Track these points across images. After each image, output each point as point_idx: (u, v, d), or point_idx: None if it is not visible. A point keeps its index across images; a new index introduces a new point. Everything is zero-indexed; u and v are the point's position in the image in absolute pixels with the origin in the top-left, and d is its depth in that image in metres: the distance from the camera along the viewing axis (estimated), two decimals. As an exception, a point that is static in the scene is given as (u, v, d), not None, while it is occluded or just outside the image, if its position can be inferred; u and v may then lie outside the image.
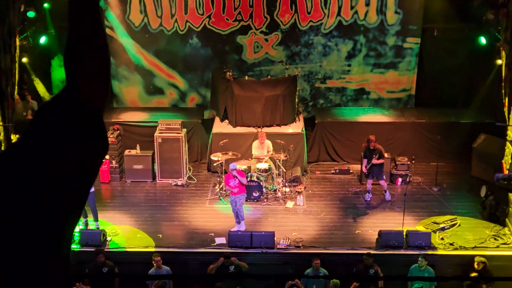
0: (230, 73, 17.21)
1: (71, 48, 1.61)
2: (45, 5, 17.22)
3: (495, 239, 13.89)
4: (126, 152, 16.73)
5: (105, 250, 13.25)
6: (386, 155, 15.54)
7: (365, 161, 15.33)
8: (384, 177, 15.46)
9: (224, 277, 13.18)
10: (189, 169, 17.04)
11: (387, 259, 13.26)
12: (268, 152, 15.90)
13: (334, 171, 17.22)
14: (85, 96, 1.58)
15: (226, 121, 17.42)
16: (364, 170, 15.37)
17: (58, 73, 18.46)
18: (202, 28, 18.58)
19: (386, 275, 13.05)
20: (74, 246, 13.21)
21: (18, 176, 1.44)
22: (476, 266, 12.71)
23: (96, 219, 14.20)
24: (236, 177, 13.98)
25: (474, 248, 13.52)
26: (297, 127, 17.27)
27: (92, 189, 13.91)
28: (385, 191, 15.55)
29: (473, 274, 12.71)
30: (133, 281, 13.36)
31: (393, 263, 13.27)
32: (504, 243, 13.72)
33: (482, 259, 12.79)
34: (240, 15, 18.46)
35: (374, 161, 15.04)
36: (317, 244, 13.72)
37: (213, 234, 14.14)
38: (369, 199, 15.58)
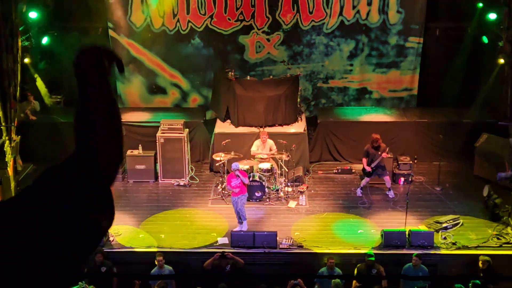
0: (232, 73, 17.22)
1: (84, 120, 1.55)
2: (48, 5, 17.23)
3: (497, 238, 13.86)
4: (129, 152, 16.72)
5: (107, 250, 13.26)
6: (387, 154, 15.53)
7: (365, 160, 15.38)
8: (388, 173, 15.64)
9: (225, 277, 13.16)
10: (192, 169, 17.05)
11: (390, 258, 13.25)
12: (270, 150, 15.89)
13: (336, 171, 17.21)
14: (95, 166, 1.54)
15: (228, 121, 17.42)
16: (369, 169, 15.33)
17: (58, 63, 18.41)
18: (204, 28, 18.58)
19: (389, 275, 13.04)
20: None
21: (15, 233, 1.42)
22: (480, 265, 12.68)
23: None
24: (239, 176, 13.97)
25: (476, 247, 13.50)
26: (299, 127, 17.27)
27: None
28: (389, 189, 15.61)
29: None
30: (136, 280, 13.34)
31: (396, 263, 13.24)
32: (507, 243, 13.69)
33: (487, 258, 12.76)
34: (242, 15, 18.46)
35: (385, 155, 15.16)
36: (319, 244, 13.72)
37: (215, 234, 14.14)
38: (360, 195, 15.69)
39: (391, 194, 15.62)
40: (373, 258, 12.60)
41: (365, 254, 12.88)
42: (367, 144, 15.43)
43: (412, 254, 12.78)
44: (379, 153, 15.18)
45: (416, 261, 12.54)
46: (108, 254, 13.12)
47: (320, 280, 12.61)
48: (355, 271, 12.69)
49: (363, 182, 15.72)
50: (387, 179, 15.53)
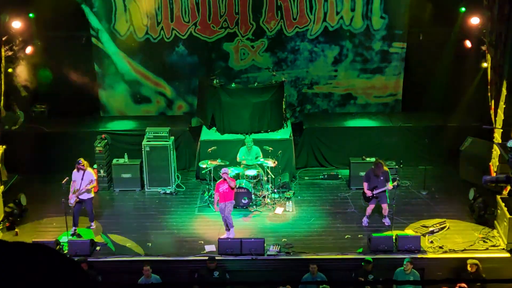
0: (217, 80, 17.21)
1: None
2: (30, 14, 17.13)
3: (484, 241, 13.92)
4: (114, 161, 16.66)
5: (93, 259, 13.16)
6: (391, 186, 14.26)
7: (365, 184, 14.47)
8: (388, 201, 14.60)
9: (212, 284, 13.09)
10: (178, 177, 16.99)
11: (377, 263, 13.25)
12: (256, 158, 15.88)
13: (322, 177, 17.23)
14: None
15: (214, 128, 17.39)
16: (369, 194, 14.42)
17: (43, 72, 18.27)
18: (188, 35, 18.56)
19: (379, 279, 13.02)
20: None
21: None
22: (469, 268, 12.71)
23: (91, 220, 14.62)
24: (226, 180, 13.93)
25: (463, 251, 13.55)
26: (285, 133, 17.28)
27: (91, 196, 14.05)
28: (385, 217, 14.72)
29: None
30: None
31: (384, 268, 13.24)
32: (493, 245, 13.75)
33: (475, 261, 12.79)
34: (226, 22, 18.46)
35: (389, 187, 14.13)
36: (307, 250, 13.71)
37: (202, 242, 14.09)
38: (366, 224, 14.71)
39: (386, 221, 14.65)
40: (370, 264, 12.61)
41: (355, 259, 12.89)
42: (369, 168, 14.59)
43: (400, 257, 12.80)
44: (381, 179, 14.23)
45: (406, 266, 12.56)
46: (94, 263, 13.02)
47: (304, 286, 12.59)
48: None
49: (368, 210, 14.72)
50: (385, 206, 14.58)
